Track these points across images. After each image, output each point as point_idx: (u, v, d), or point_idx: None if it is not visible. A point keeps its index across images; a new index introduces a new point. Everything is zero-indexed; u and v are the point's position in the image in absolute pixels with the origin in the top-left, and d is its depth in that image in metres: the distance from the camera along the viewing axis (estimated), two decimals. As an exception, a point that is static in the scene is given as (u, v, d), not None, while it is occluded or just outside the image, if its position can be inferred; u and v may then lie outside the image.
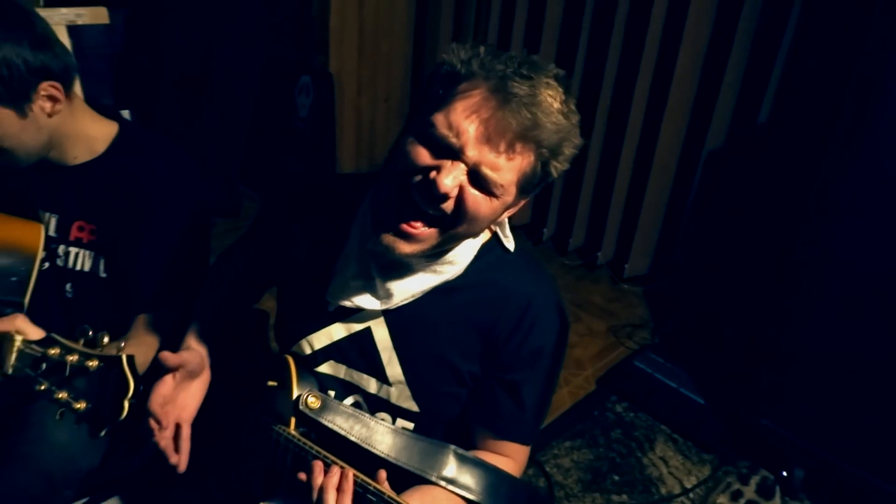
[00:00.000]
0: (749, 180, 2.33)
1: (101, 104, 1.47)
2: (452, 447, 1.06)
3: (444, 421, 1.13)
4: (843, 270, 1.62)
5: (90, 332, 0.95)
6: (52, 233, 1.42)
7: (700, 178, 2.47)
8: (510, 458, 1.11)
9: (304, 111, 2.88)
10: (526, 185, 0.92)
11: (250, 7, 2.76)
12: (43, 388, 0.92)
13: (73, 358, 0.92)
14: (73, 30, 3.04)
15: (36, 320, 1.07)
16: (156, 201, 1.39)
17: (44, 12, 2.04)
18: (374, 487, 0.90)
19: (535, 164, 0.91)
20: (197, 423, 1.05)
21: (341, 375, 1.09)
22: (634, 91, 2.51)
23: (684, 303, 2.60)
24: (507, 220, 1.06)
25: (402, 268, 0.99)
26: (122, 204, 1.40)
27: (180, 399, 1.03)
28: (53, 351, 0.93)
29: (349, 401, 1.11)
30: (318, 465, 0.93)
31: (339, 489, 0.91)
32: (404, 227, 0.90)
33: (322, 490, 0.90)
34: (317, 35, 2.91)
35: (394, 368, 1.06)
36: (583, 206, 2.84)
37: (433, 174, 0.86)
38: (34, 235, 1.41)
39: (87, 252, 1.43)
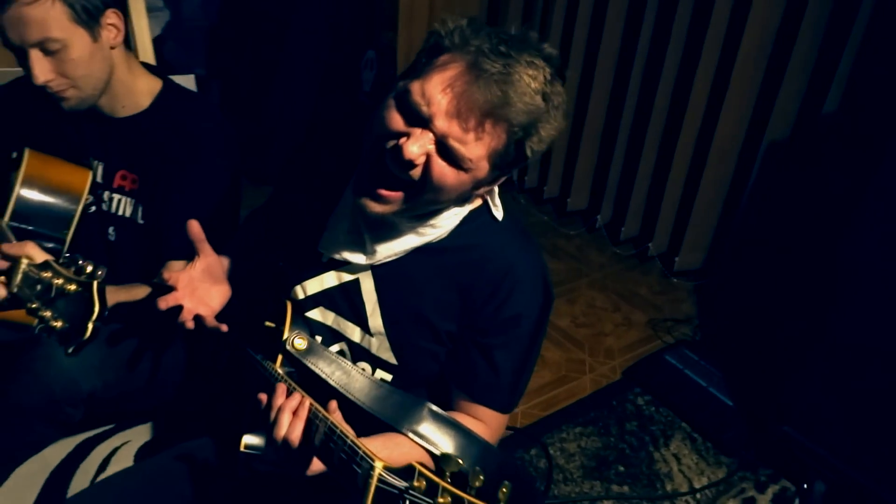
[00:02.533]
0: (811, 175, 2.19)
1: (148, 64, 1.60)
2: (427, 403, 1.10)
3: (423, 378, 1.17)
4: (886, 279, 1.51)
5: (80, 262, 1.05)
6: (98, 179, 1.56)
7: (759, 171, 2.34)
8: (483, 423, 1.13)
9: (367, 85, 2.96)
10: (499, 162, 0.95)
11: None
12: (34, 306, 1.03)
13: (59, 281, 1.02)
14: (172, 1, 3.26)
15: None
16: (191, 157, 1.50)
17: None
18: (324, 416, 0.94)
19: (508, 143, 0.92)
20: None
21: (329, 322, 1.16)
22: (695, 77, 2.40)
23: (732, 301, 2.48)
24: (496, 189, 1.08)
25: (388, 227, 1.04)
26: (161, 157, 1.52)
27: (199, 292, 1.13)
28: (46, 274, 1.04)
29: (335, 348, 1.18)
30: (281, 387, 0.99)
31: (295, 413, 0.95)
32: (375, 187, 0.94)
33: (280, 410, 0.95)
34: (386, 11, 2.97)
35: (376, 320, 1.11)
36: (638, 195, 2.76)
37: (403, 140, 0.89)
38: (82, 180, 1.55)
39: (128, 199, 1.56)
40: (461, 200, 1.03)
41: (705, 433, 1.92)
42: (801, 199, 2.23)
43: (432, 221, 1.04)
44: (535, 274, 1.10)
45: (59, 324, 1.01)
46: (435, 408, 1.10)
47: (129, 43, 2.30)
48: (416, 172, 0.92)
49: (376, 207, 0.96)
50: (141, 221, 1.57)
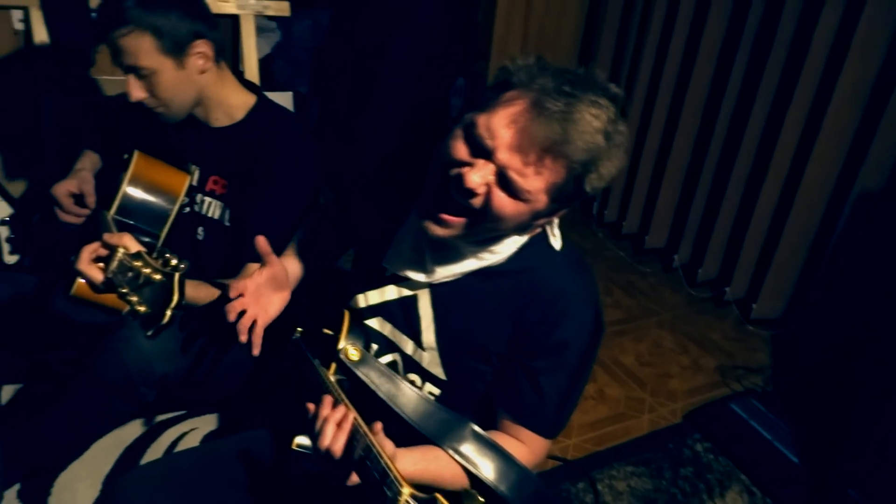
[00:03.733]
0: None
1: (244, 78, 1.74)
2: (471, 424, 1.14)
3: (470, 396, 1.21)
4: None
5: (166, 255, 1.16)
6: (194, 182, 1.70)
7: (848, 220, 2.24)
8: (524, 445, 1.16)
9: (454, 111, 3.04)
10: (557, 196, 0.99)
11: (423, 10, 2.98)
12: (124, 290, 1.15)
13: (147, 271, 1.13)
14: (283, 22, 3.48)
15: None
16: (276, 168, 1.61)
17: (238, 2, 2.40)
18: (364, 432, 0.98)
19: (567, 178, 0.97)
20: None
21: (386, 333, 1.22)
22: (786, 119, 2.33)
23: (809, 354, 2.36)
24: (556, 219, 1.12)
25: (448, 249, 1.09)
26: (249, 166, 1.64)
27: (262, 299, 1.21)
28: (137, 263, 1.15)
29: (388, 358, 1.23)
30: (328, 399, 1.04)
31: (339, 426, 1.00)
32: (439, 213, 1.00)
33: (325, 421, 1.01)
34: (480, 41, 3.05)
35: (429, 336, 1.17)
36: (718, 237, 2.69)
37: (465, 169, 0.95)
38: (180, 182, 1.70)
39: (218, 203, 1.69)
40: (520, 229, 1.07)
41: (765, 488, 1.83)
42: (891, 252, 2.11)
43: (492, 247, 1.09)
44: (587, 302, 1.13)
45: (143, 309, 1.11)
46: (478, 429, 1.13)
47: (237, 59, 2.50)
48: (478, 201, 0.97)
49: (438, 230, 1.01)
50: (227, 224, 1.69)
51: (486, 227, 1.00)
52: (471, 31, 3.06)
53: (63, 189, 1.71)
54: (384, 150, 3.13)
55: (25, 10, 2.20)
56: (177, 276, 1.10)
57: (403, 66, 3.06)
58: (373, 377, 1.16)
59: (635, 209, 3.08)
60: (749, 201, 2.54)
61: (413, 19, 2.99)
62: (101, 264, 1.24)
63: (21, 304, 1.60)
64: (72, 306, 1.67)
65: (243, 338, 1.16)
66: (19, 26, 2.27)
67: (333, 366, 1.18)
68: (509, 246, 1.09)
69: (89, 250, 1.23)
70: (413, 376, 1.21)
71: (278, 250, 1.48)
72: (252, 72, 2.48)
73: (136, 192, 1.65)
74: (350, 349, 1.17)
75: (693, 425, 2.06)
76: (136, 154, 1.67)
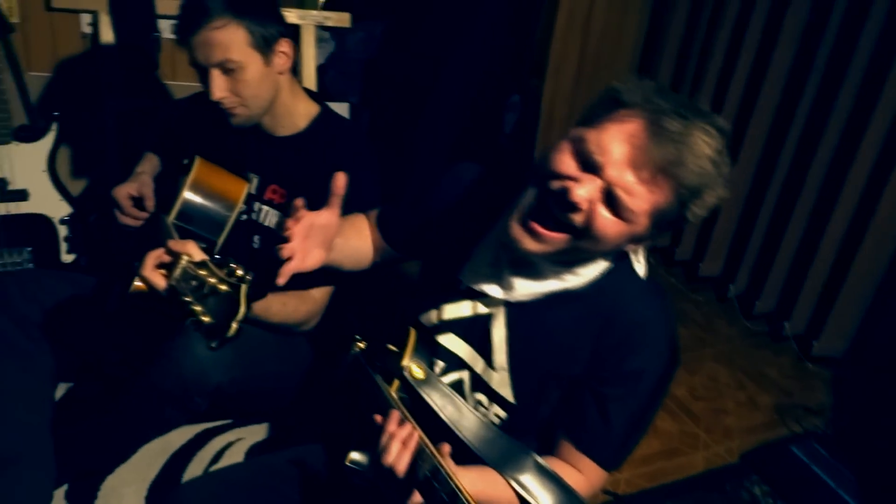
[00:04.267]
0: None
1: (307, 89, 1.73)
2: (533, 454, 1.11)
3: (535, 421, 1.18)
4: None
5: (231, 264, 1.14)
6: (252, 190, 1.70)
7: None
8: (582, 475, 1.12)
9: (508, 127, 3.01)
10: (659, 220, 0.97)
11: (481, 25, 2.96)
12: (187, 299, 1.13)
13: (212, 280, 1.11)
14: (338, 33, 3.51)
15: None
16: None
17: (299, 12, 2.42)
18: (432, 452, 0.96)
19: (672, 202, 0.95)
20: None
21: (456, 350, 1.19)
22: (859, 150, 2.24)
23: (874, 397, 2.25)
24: (643, 246, 1.10)
25: (531, 267, 1.07)
26: (310, 176, 1.63)
27: (309, 241, 1.12)
28: (202, 272, 1.13)
29: (455, 376, 1.20)
30: (395, 415, 1.03)
31: (404, 444, 0.99)
32: (533, 224, 0.98)
33: (391, 437, 0.99)
34: (536, 59, 3.02)
35: (501, 356, 1.14)
36: (779, 268, 2.58)
37: (570, 183, 0.94)
38: (239, 190, 1.69)
39: (275, 212, 1.68)
40: (612, 252, 1.05)
41: (827, 537, 1.74)
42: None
43: (577, 269, 1.06)
44: (666, 334, 1.10)
45: (207, 319, 1.09)
46: (540, 460, 1.10)
47: (295, 69, 2.52)
48: (579, 217, 0.95)
49: (531, 244, 0.99)
50: (284, 234, 1.68)
51: (580, 246, 0.98)
52: (527, 48, 3.03)
53: (123, 192, 1.72)
54: (435, 164, 3.11)
55: (95, 13, 2.24)
56: (244, 287, 1.08)
57: (458, 80, 3.05)
58: (435, 398, 1.13)
59: (689, 234, 2.99)
60: (815, 231, 2.44)
61: (470, 34, 2.97)
62: (164, 271, 1.23)
63: (78, 304, 1.61)
64: (128, 309, 1.67)
65: (281, 280, 1.09)
66: (87, 29, 2.32)
67: (397, 383, 1.15)
68: (594, 269, 1.07)
69: (153, 256, 1.22)
70: (480, 396, 1.18)
71: None
72: (310, 81, 2.49)
73: (196, 198, 1.65)
74: (414, 367, 1.14)
75: (751, 466, 1.97)
76: (197, 160, 1.67)
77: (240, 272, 1.11)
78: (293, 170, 1.67)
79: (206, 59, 1.47)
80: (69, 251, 2.12)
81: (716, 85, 2.80)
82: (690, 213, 0.97)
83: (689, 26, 2.96)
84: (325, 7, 2.51)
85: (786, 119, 2.53)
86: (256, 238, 1.73)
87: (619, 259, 1.09)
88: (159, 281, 1.20)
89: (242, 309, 1.06)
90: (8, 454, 1.41)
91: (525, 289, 1.08)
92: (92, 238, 2.16)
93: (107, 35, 2.23)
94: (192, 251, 1.25)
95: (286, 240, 1.65)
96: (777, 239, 2.58)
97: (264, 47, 1.51)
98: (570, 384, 1.12)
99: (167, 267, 1.21)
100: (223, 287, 1.10)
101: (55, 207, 2.08)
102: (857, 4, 2.24)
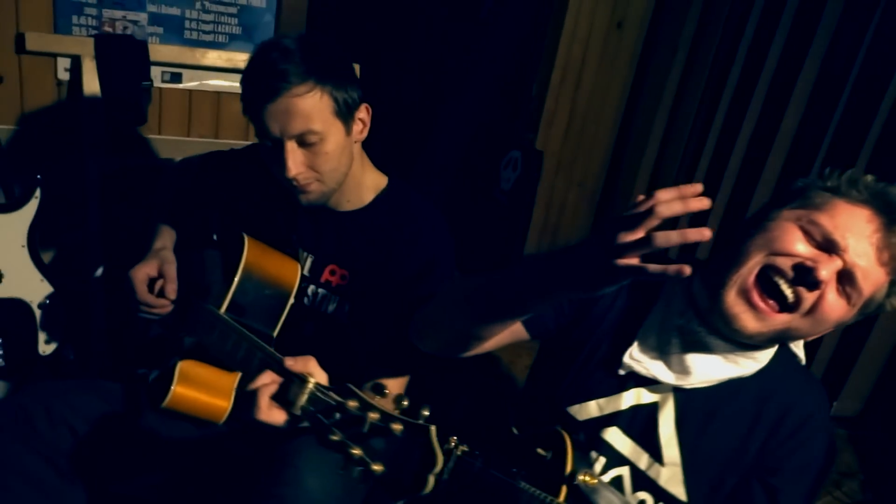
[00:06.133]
0: None
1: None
2: None
3: None
4: None
5: (385, 391, 0.93)
6: (305, 272, 1.48)
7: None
8: None
9: (506, 184, 2.91)
10: (865, 308, 0.99)
11: (476, 79, 2.87)
12: (336, 438, 0.90)
13: (374, 416, 0.89)
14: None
15: None
16: (413, 259, 1.41)
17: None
18: None
19: (883, 290, 0.97)
20: None
21: (618, 445, 1.09)
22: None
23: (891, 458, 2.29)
24: None
25: (707, 351, 1.04)
26: (379, 255, 1.43)
27: None
28: (353, 403, 0.91)
29: (614, 472, 1.10)
30: None
31: None
32: (759, 300, 0.96)
33: None
34: (532, 113, 2.96)
35: (671, 450, 1.06)
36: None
37: (808, 262, 0.94)
38: (292, 272, 1.47)
39: (334, 296, 1.47)
40: (793, 338, 1.04)
41: None
42: None
43: (753, 353, 1.04)
44: (828, 426, 1.11)
45: (379, 467, 0.87)
46: None
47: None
48: (812, 298, 0.95)
49: (751, 323, 0.97)
50: (345, 320, 1.47)
51: (796, 329, 0.97)
52: (524, 103, 2.97)
53: (142, 273, 1.45)
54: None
55: (76, 58, 1.93)
56: (433, 429, 0.87)
57: (451, 135, 2.93)
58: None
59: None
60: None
61: (467, 87, 2.87)
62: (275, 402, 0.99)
63: (110, 422, 1.30)
64: (159, 420, 1.39)
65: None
66: (64, 76, 1.99)
67: (564, 490, 0.99)
68: (768, 354, 1.06)
69: (267, 392, 0.98)
70: (643, 495, 1.09)
71: (404, 351, 1.32)
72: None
73: (250, 286, 1.42)
74: (585, 475, 1.03)
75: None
76: (247, 240, 1.44)
77: (405, 402, 0.90)
78: (356, 247, 1.47)
79: (282, 131, 1.27)
80: (49, 340, 1.76)
81: (715, 146, 2.84)
82: (889, 303, 0.99)
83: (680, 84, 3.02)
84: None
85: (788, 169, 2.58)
86: (309, 326, 1.50)
87: (783, 345, 1.09)
88: (278, 418, 0.97)
89: (440, 457, 0.85)
90: None
91: (702, 375, 1.04)
92: (76, 324, 1.82)
93: (90, 83, 1.93)
94: (314, 369, 1.03)
95: (347, 327, 1.45)
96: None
97: (346, 116, 1.33)
98: (739, 477, 1.08)
99: (284, 395, 0.98)
100: (397, 426, 0.88)
101: (33, 290, 1.73)
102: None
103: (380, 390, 0.93)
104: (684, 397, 1.07)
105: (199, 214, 1.62)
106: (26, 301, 1.71)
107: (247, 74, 1.30)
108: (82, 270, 1.81)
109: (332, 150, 1.31)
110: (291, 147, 1.28)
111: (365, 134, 1.41)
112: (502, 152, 2.94)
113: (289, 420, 0.98)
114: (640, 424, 1.08)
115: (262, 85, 1.25)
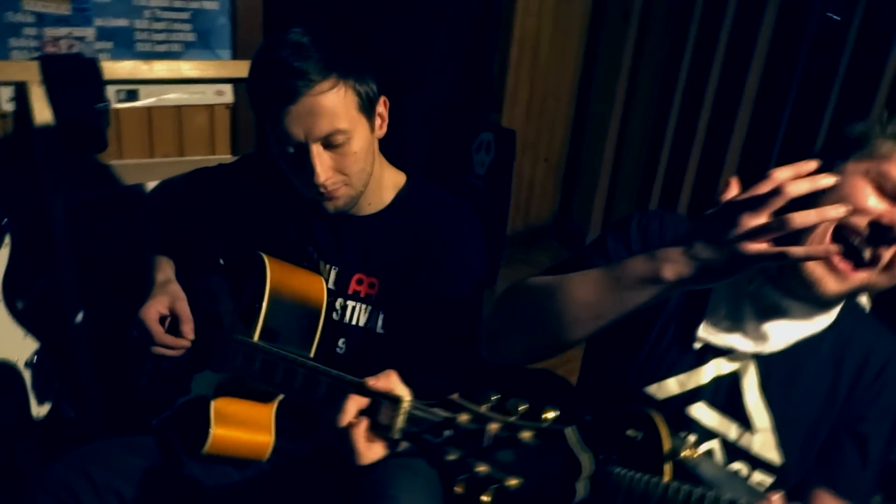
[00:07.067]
0: None
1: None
2: None
3: (803, 479, 1.10)
4: None
5: (493, 397, 0.85)
6: (330, 285, 1.38)
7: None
8: None
9: (480, 168, 2.85)
10: None
11: (435, 66, 2.79)
12: (453, 457, 0.82)
13: (494, 427, 0.81)
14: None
15: None
16: (447, 258, 1.34)
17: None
18: None
19: None
20: None
21: (704, 419, 1.06)
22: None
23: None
24: None
25: (781, 313, 1.01)
26: (409, 257, 1.35)
27: None
28: (464, 417, 0.83)
29: (703, 448, 1.07)
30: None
31: None
32: (841, 264, 0.92)
33: None
34: (495, 92, 2.92)
35: (760, 415, 1.05)
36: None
37: (885, 219, 0.90)
38: (318, 288, 1.37)
39: (365, 306, 1.37)
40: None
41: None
42: None
43: (830, 309, 1.03)
44: None
45: (514, 482, 0.79)
46: None
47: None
48: (889, 253, 0.92)
49: (833, 285, 0.94)
50: (380, 331, 1.38)
51: (875, 284, 0.95)
52: (486, 83, 2.91)
53: (154, 312, 1.32)
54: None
55: (21, 85, 1.73)
56: (570, 431, 0.79)
57: (418, 125, 2.84)
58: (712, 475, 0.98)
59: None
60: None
61: (427, 75, 2.79)
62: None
63: (156, 477, 1.17)
64: (201, 467, 1.27)
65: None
66: (8, 107, 1.78)
67: (668, 467, 0.94)
68: (838, 308, 1.05)
69: (361, 429, 0.89)
70: (737, 465, 1.06)
71: (448, 358, 1.29)
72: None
73: (279, 308, 1.31)
74: (687, 448, 0.98)
75: None
76: (266, 259, 1.32)
77: (521, 406, 0.82)
78: (383, 252, 1.38)
79: (307, 134, 1.16)
80: (41, 402, 1.58)
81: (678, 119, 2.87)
82: None
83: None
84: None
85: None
86: (341, 342, 1.40)
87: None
88: (380, 452, 0.88)
89: (587, 456, 0.77)
90: None
91: (780, 337, 1.02)
92: (66, 379, 1.65)
93: (41, 111, 1.74)
94: (395, 386, 0.94)
95: (383, 338, 1.36)
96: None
97: (369, 109, 1.23)
98: (830, 431, 1.07)
99: (379, 421, 0.88)
100: (526, 434, 0.80)
101: (17, 347, 1.54)
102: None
103: (487, 398, 0.85)
104: (765, 361, 1.05)
105: (198, 239, 1.48)
106: (11, 362, 1.53)
107: (255, 79, 1.18)
108: (62, 318, 1.63)
109: (359, 150, 1.21)
110: (318, 150, 1.17)
111: (385, 129, 1.31)
112: (471, 136, 2.87)
113: (389, 448, 0.89)
114: (724, 395, 1.06)
115: (279, 87, 1.13)
